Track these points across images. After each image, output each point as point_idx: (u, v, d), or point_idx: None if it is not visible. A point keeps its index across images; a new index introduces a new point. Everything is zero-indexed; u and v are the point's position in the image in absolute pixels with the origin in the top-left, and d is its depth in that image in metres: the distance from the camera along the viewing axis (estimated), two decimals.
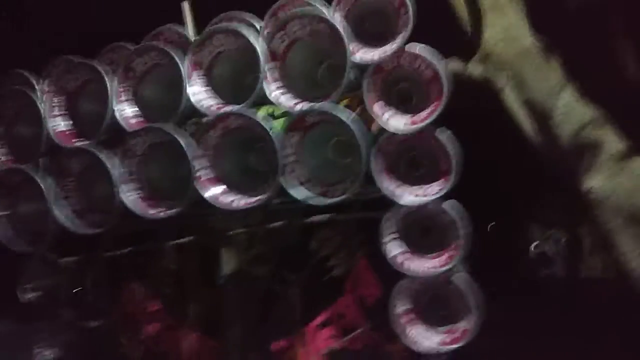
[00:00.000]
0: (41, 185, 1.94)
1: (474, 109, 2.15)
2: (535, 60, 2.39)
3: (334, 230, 2.45)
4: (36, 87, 2.27)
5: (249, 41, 1.82)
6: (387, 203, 2.15)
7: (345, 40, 1.70)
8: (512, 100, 2.36)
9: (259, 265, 2.53)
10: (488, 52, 2.43)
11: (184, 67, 1.89)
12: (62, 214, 1.97)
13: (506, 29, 2.48)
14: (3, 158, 2.11)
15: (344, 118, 1.72)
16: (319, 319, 2.31)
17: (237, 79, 2.05)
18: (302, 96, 1.85)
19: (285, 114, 2.08)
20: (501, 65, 2.41)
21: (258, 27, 2.05)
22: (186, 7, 2.31)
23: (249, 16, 2.13)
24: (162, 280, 2.68)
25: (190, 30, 2.22)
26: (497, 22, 2.51)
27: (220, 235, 2.37)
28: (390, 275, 2.27)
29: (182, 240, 2.46)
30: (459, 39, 2.37)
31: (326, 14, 1.77)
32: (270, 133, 1.76)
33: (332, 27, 1.71)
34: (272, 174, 1.84)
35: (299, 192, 1.83)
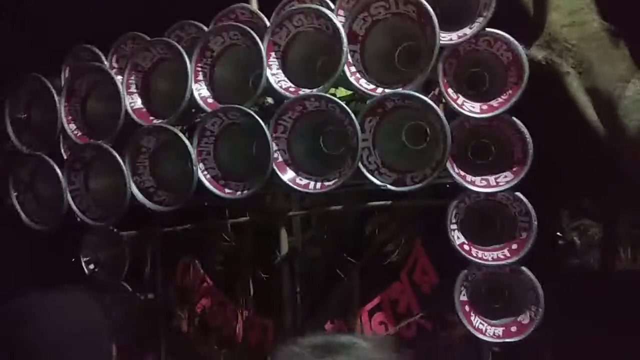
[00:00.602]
0: (119, 161, 1.96)
1: (535, 94, 2.13)
2: (602, 47, 2.32)
3: (391, 216, 2.47)
4: (105, 63, 2.30)
5: (330, 22, 1.80)
6: (445, 190, 2.17)
7: (436, 22, 1.68)
8: (576, 86, 2.30)
9: (315, 247, 2.57)
10: (552, 35, 2.38)
11: (263, 47, 1.89)
12: (136, 190, 2.00)
13: (572, 12, 2.40)
14: (77, 133, 2.14)
15: (430, 103, 1.71)
16: (372, 303, 2.35)
17: (309, 61, 2.05)
18: (380, 80, 1.84)
19: (350, 96, 2.09)
20: (566, 50, 2.37)
21: (332, 7, 2.03)
22: None
23: None
24: (216, 258, 2.74)
25: (254, 9, 2.21)
26: (562, 4, 2.44)
27: (278, 216, 2.39)
28: (447, 263, 2.29)
29: (239, 219, 2.50)
30: (519, 21, 2.32)
31: None
32: (351, 116, 1.76)
33: (422, 9, 1.69)
34: (347, 158, 1.85)
35: (375, 178, 1.84)
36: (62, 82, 2.38)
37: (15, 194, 2.29)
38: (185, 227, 2.47)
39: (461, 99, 1.92)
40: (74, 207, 2.12)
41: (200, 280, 2.66)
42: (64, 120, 2.15)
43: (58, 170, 2.13)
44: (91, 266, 2.51)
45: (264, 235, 2.55)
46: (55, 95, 2.17)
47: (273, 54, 1.91)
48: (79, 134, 2.14)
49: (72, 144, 2.28)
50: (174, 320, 2.69)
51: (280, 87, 1.91)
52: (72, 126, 2.15)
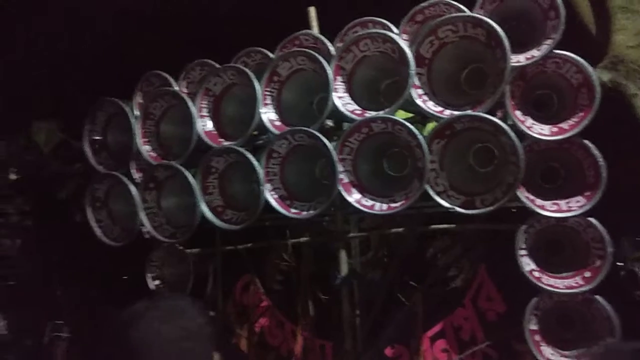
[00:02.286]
0: (190, 181, 2.05)
1: (600, 116, 2.05)
2: None
3: (454, 239, 2.43)
4: (176, 88, 2.42)
5: (397, 45, 1.83)
6: (509, 214, 2.11)
7: (507, 45, 1.67)
8: None
9: (374, 270, 2.55)
10: (618, 57, 2.32)
11: (330, 72, 1.93)
12: (206, 209, 2.08)
13: (639, 33, 2.36)
14: (152, 154, 2.25)
15: (502, 125, 1.69)
16: (434, 329, 2.29)
17: (373, 84, 2.08)
18: (447, 102, 1.84)
19: (411, 118, 2.09)
20: (633, 72, 2.29)
21: (395, 31, 2.06)
22: (312, 11, 2.38)
23: (383, 21, 2.15)
24: (274, 278, 2.77)
25: (317, 35, 2.28)
26: (628, 26, 2.38)
27: (338, 238, 2.40)
28: (512, 289, 2.22)
29: (299, 239, 2.52)
30: (580, 43, 2.27)
31: (483, 17, 1.74)
32: (419, 138, 1.76)
33: (492, 32, 1.69)
34: (414, 180, 1.85)
35: (443, 200, 1.83)
36: (134, 106, 2.53)
37: (91, 210, 2.42)
38: (247, 245, 2.52)
39: (529, 121, 1.89)
40: (147, 225, 2.21)
41: (259, 299, 2.69)
42: (140, 141, 2.27)
43: (132, 189, 2.24)
44: (156, 282, 2.60)
45: (323, 256, 2.56)
46: (131, 119, 2.30)
47: (339, 77, 1.96)
48: (153, 154, 2.26)
49: (144, 164, 2.40)
50: (233, 338, 2.73)
51: (347, 109, 1.94)
52: (147, 147, 2.27)
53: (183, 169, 2.09)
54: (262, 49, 2.32)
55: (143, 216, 2.21)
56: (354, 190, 1.92)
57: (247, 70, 2.07)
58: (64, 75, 3.23)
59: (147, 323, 1.01)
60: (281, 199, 2.03)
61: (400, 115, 2.12)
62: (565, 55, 1.85)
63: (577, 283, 1.86)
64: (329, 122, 2.22)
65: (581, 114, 1.85)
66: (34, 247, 3.59)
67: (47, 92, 3.34)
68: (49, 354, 3.30)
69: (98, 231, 2.40)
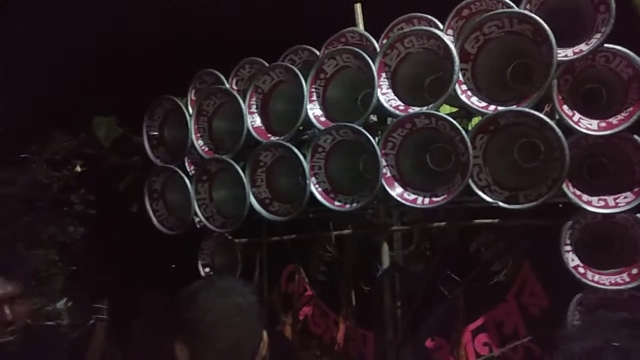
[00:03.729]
0: (241, 174, 2.16)
1: None
2: None
3: (497, 234, 2.43)
4: (227, 85, 2.54)
5: (442, 42, 1.86)
6: (555, 210, 2.09)
7: (553, 40, 1.67)
8: None
9: (416, 263, 2.59)
10: None
11: (374, 68, 1.98)
12: (254, 201, 2.18)
13: None
14: (204, 148, 2.39)
15: (547, 120, 1.69)
16: (476, 323, 2.31)
17: (417, 80, 2.11)
18: (491, 97, 1.85)
19: (455, 113, 2.11)
20: None
21: (441, 27, 2.09)
22: (358, 8, 2.43)
23: (429, 17, 2.18)
24: (319, 268, 2.86)
25: (363, 32, 2.32)
26: None
27: (381, 231, 2.45)
28: (556, 285, 2.20)
29: (343, 232, 2.59)
30: (634, 35, 2.20)
31: (529, 13, 1.75)
32: (463, 133, 1.79)
33: (539, 27, 1.69)
34: (456, 175, 1.88)
35: (486, 195, 1.85)
36: (188, 103, 2.67)
37: (148, 200, 2.59)
38: (291, 236, 2.62)
39: (577, 116, 1.87)
40: (200, 215, 2.35)
41: (303, 289, 2.79)
42: (194, 137, 2.41)
43: (187, 181, 2.38)
44: (207, 269, 2.75)
45: (365, 248, 2.62)
46: (187, 115, 2.44)
47: (384, 74, 2.00)
48: (206, 149, 2.39)
49: (196, 158, 2.54)
50: (278, 325, 2.84)
51: (391, 105, 1.99)
52: (200, 142, 2.40)
53: (233, 163, 2.21)
54: (309, 47, 2.40)
55: (196, 207, 2.34)
56: (396, 184, 1.97)
57: (294, 68, 2.16)
58: (124, 72, 3.43)
59: (201, 299, 1.11)
60: (325, 192, 2.10)
61: (445, 110, 2.15)
62: (615, 49, 1.82)
63: (623, 280, 1.84)
64: (373, 118, 2.28)
65: (631, 108, 1.81)
66: (95, 235, 3.84)
67: (109, 88, 3.55)
68: (91, 335, 3.52)
69: (155, 220, 2.56)
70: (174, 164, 2.51)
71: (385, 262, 2.44)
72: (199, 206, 2.36)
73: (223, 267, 2.72)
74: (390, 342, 2.41)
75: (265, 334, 1.16)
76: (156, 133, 2.59)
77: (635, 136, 1.83)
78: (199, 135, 2.41)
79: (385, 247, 2.43)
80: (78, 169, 3.78)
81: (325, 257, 2.78)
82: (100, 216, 3.88)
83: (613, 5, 1.78)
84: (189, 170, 2.61)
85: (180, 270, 3.18)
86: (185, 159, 2.62)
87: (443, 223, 2.32)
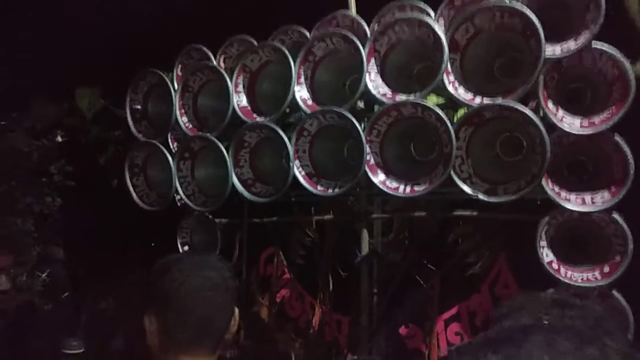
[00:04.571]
0: (224, 153, 2.14)
1: (636, 112, 2.02)
2: None
3: (475, 227, 2.46)
4: (214, 62, 2.50)
5: (432, 31, 1.85)
6: (533, 205, 2.12)
7: (542, 35, 1.67)
8: None
9: (395, 251, 2.61)
10: None
11: (364, 54, 1.97)
12: (237, 181, 2.17)
13: None
14: (188, 125, 2.35)
15: (532, 116, 1.70)
16: (450, 312, 2.35)
17: (406, 68, 2.10)
18: (478, 90, 1.86)
19: (441, 104, 2.11)
20: None
21: (432, 16, 2.07)
22: None
23: (422, 5, 2.16)
24: (297, 252, 2.87)
25: (355, 16, 2.30)
26: None
27: (361, 217, 2.46)
28: (531, 279, 2.24)
29: (324, 217, 2.60)
30: (623, 35, 2.22)
31: (519, 6, 1.74)
32: (447, 124, 1.79)
33: (528, 21, 1.69)
34: (439, 165, 1.88)
35: (466, 186, 1.86)
36: (174, 78, 2.62)
37: (129, 175, 2.55)
38: (272, 219, 2.62)
39: (561, 113, 1.89)
40: (181, 192, 2.32)
41: (281, 271, 2.80)
42: (178, 113, 2.37)
43: (169, 158, 2.35)
44: (185, 247, 2.73)
45: (345, 234, 2.63)
46: (172, 90, 2.40)
47: (373, 60, 1.99)
48: (190, 126, 2.35)
49: (180, 135, 2.51)
50: (255, 306, 2.85)
51: (378, 92, 1.98)
52: (184, 119, 2.37)
53: (217, 142, 2.18)
54: (299, 28, 2.36)
55: (177, 184, 2.32)
56: (379, 171, 1.97)
57: (283, 48, 2.13)
58: (109, 44, 3.36)
59: (174, 272, 1.10)
60: (308, 176, 2.10)
61: (432, 101, 2.15)
62: (602, 48, 1.83)
63: (594, 277, 1.88)
64: (360, 104, 2.27)
65: (613, 108, 1.83)
66: (72, 207, 3.79)
67: (92, 60, 3.47)
68: (73, 309, 3.51)
69: (135, 196, 2.53)
70: (156, 139, 2.47)
71: (364, 249, 2.46)
72: (180, 184, 2.33)
73: (202, 246, 2.71)
74: (364, 327, 2.44)
75: (236, 310, 1.16)
76: (139, 107, 2.54)
77: (617, 136, 1.85)
78: (183, 111, 2.38)
79: (365, 234, 2.45)
80: (59, 139, 3.71)
81: (305, 242, 2.79)
82: (79, 188, 3.83)
83: (603, 4, 1.79)
84: (172, 146, 2.58)
85: (158, 247, 3.16)
86: (169, 135, 2.58)
87: (423, 213, 2.35)
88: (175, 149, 2.50)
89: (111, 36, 3.39)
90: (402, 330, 2.45)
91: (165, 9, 3.24)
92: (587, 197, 1.89)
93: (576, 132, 1.84)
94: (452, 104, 2.05)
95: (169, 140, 2.60)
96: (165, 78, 2.45)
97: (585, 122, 1.86)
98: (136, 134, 2.55)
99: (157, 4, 3.27)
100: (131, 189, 2.50)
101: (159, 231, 2.93)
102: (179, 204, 2.61)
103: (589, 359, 0.52)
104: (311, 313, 2.70)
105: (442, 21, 2.06)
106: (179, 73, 2.59)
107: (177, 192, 2.41)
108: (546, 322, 0.57)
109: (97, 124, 3.80)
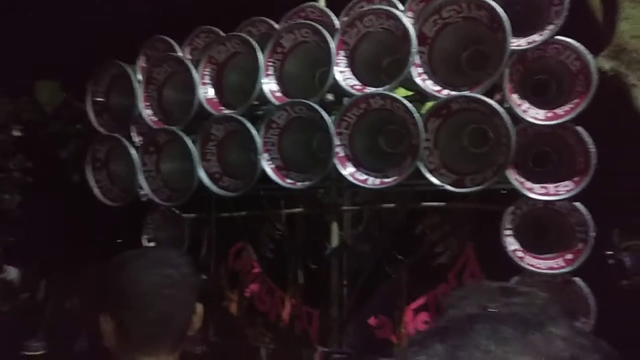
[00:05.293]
0: (190, 146, 2.09)
1: (599, 104, 2.10)
2: None
3: (443, 217, 2.50)
4: (180, 54, 2.44)
5: (401, 23, 1.85)
6: (500, 196, 2.17)
7: (508, 28, 1.70)
8: None
9: (365, 243, 2.63)
10: (621, 46, 2.34)
11: (333, 46, 1.96)
12: (204, 174, 2.13)
13: None
14: (153, 118, 2.29)
15: (497, 107, 1.73)
16: (418, 302, 2.38)
17: (375, 60, 2.11)
18: (446, 82, 1.88)
19: (410, 97, 2.13)
20: (635, 62, 2.33)
21: (401, 8, 2.08)
22: None
23: None
24: (267, 246, 2.85)
25: (324, 8, 2.29)
26: (634, 14, 2.40)
27: (331, 210, 2.46)
28: (497, 268, 2.30)
29: (293, 210, 2.59)
30: (587, 30, 2.29)
31: None
32: (415, 116, 1.81)
33: (494, 14, 1.72)
34: (407, 157, 1.90)
35: (434, 177, 1.88)
36: (138, 70, 2.55)
37: (90, 170, 2.47)
38: (241, 213, 2.59)
39: (525, 105, 1.93)
40: (146, 187, 2.26)
41: (251, 266, 2.77)
42: (142, 105, 2.31)
43: (132, 152, 2.29)
44: (151, 244, 2.67)
45: (315, 227, 2.63)
46: (134, 82, 2.33)
47: (342, 52, 1.98)
48: (154, 119, 2.29)
49: (144, 128, 2.44)
50: (224, 301, 2.82)
51: (347, 84, 1.97)
52: (149, 111, 2.30)
53: (183, 135, 2.13)
54: (267, 19, 2.33)
55: (142, 178, 2.26)
56: (348, 164, 1.97)
57: (250, 39, 2.10)
58: (69, 34, 3.23)
59: (131, 269, 1.07)
60: (277, 169, 2.08)
61: (401, 93, 2.16)
62: (565, 41, 1.88)
63: (558, 264, 1.94)
64: (330, 97, 2.26)
65: (577, 100, 1.88)
66: (33, 204, 3.65)
67: (52, 51, 3.34)
68: (40, 308, 3.40)
69: (97, 191, 2.45)
70: (119, 132, 2.40)
71: (334, 242, 2.46)
72: (145, 178, 2.27)
73: (169, 242, 2.66)
74: (334, 319, 2.45)
75: (200, 307, 1.13)
76: (101, 99, 2.46)
77: (578, 127, 1.91)
78: (147, 104, 2.31)
79: (334, 227, 2.46)
80: (18, 133, 3.56)
81: (275, 235, 2.77)
82: (39, 185, 3.69)
83: None
84: (136, 140, 2.51)
85: (124, 244, 3.08)
86: (133, 129, 2.51)
87: (392, 205, 2.37)
88: (140, 142, 2.43)
89: (72, 27, 3.27)
90: (372, 320, 2.47)
91: None
92: (551, 187, 1.95)
93: (540, 124, 1.89)
94: (420, 96, 2.07)
95: (134, 134, 2.53)
96: (129, 70, 2.37)
97: (549, 114, 1.91)
98: (98, 128, 2.47)
99: None
100: (93, 184, 2.43)
101: (125, 227, 2.86)
102: (144, 199, 2.54)
103: (533, 346, 0.52)
104: (281, 307, 2.68)
105: (410, 14, 2.08)
106: (143, 65, 2.52)
107: (141, 187, 2.35)
108: (491, 310, 0.58)
109: (58, 117, 3.66)
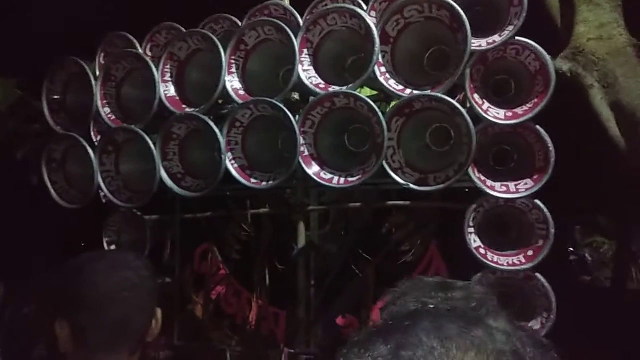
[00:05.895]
0: (151, 146, 2.03)
1: (558, 105, 2.16)
2: (628, 62, 2.34)
3: (408, 216, 2.51)
4: (139, 51, 2.37)
5: (364, 22, 1.85)
6: (463, 194, 2.20)
7: (468, 28, 1.72)
8: (599, 100, 2.31)
9: (331, 243, 2.62)
10: (579, 48, 2.40)
11: (296, 44, 1.94)
12: (165, 175, 2.07)
13: (600, 26, 2.42)
14: (111, 117, 2.21)
15: (458, 107, 1.75)
16: (384, 301, 2.38)
17: (339, 59, 2.10)
18: (409, 81, 1.89)
19: (375, 96, 2.13)
20: (592, 63, 2.39)
21: (365, 8, 2.08)
22: None
23: None
24: (232, 247, 2.80)
25: (288, 6, 2.27)
26: (591, 18, 2.47)
27: (298, 210, 2.44)
28: (461, 265, 2.33)
29: (259, 210, 2.55)
30: (546, 32, 2.35)
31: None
32: (379, 115, 1.81)
33: (455, 14, 1.73)
34: (372, 156, 1.90)
35: (398, 176, 1.89)
36: (97, 67, 2.47)
37: (47, 171, 2.37)
38: (206, 214, 2.54)
39: (486, 105, 1.96)
40: (104, 188, 2.19)
41: (217, 268, 2.72)
42: (99, 103, 2.23)
43: (90, 152, 2.21)
44: (112, 247, 2.59)
45: (282, 227, 2.60)
46: (92, 79, 2.25)
47: (305, 50, 1.97)
48: (113, 117, 2.22)
49: (103, 127, 2.36)
50: (189, 305, 2.76)
51: (311, 83, 1.96)
52: (107, 110, 2.23)
53: (143, 134, 2.07)
54: (230, 17, 2.29)
55: (100, 179, 2.18)
56: (313, 163, 1.96)
57: (213, 36, 2.06)
58: (24, 31, 3.10)
59: (87, 273, 1.03)
60: (241, 168, 2.04)
61: (366, 93, 2.16)
62: (524, 42, 1.91)
63: (519, 261, 1.97)
64: (295, 96, 2.24)
65: (536, 100, 1.92)
66: None
67: (7, 48, 3.20)
68: None
69: (53, 193, 2.35)
70: (76, 132, 2.31)
71: (301, 242, 2.44)
72: (104, 179, 2.19)
73: (130, 245, 2.58)
74: (301, 320, 2.43)
75: (159, 311, 1.10)
76: (58, 97, 2.37)
77: (537, 126, 1.95)
78: (105, 102, 2.24)
79: (301, 227, 2.44)
80: None
81: (241, 236, 2.72)
82: None
83: (526, 0, 1.87)
84: (95, 140, 2.42)
85: (85, 247, 2.98)
86: (91, 128, 2.43)
87: (358, 204, 2.36)
88: (98, 142, 2.35)
89: (28, 22, 3.14)
90: (339, 320, 2.46)
91: None
92: (512, 185, 1.98)
93: (501, 123, 1.92)
94: (385, 96, 2.08)
95: (92, 133, 2.45)
96: (86, 67, 2.29)
97: (510, 113, 1.94)
98: (54, 126, 2.37)
99: None
100: (49, 185, 2.33)
101: (85, 230, 2.76)
102: (104, 201, 2.46)
103: (475, 341, 0.52)
104: (248, 309, 2.64)
105: (374, 14, 2.08)
106: (102, 62, 2.44)
107: (100, 188, 2.28)
108: (431, 307, 0.58)
109: (13, 116, 3.51)
